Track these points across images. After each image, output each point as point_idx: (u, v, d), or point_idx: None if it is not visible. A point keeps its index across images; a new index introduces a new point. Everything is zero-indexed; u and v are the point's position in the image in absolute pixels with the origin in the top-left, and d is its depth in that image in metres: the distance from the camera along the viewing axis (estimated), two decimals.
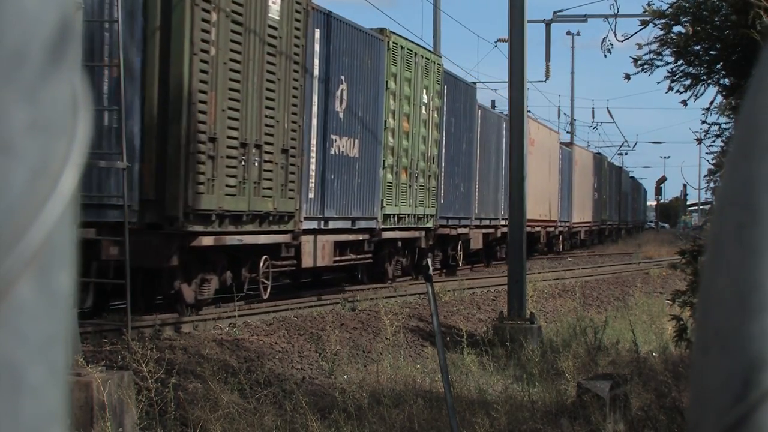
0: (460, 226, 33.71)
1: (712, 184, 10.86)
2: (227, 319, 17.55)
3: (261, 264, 20.06)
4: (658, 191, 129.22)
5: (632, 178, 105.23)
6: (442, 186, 30.95)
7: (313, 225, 22.00)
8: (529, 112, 53.93)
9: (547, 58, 47.98)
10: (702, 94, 9.71)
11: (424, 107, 28.79)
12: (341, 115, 23.52)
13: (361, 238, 25.00)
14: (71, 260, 0.82)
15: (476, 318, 21.83)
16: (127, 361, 12.97)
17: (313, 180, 21.98)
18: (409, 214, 28.16)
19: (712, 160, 10.37)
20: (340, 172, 23.53)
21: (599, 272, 35.82)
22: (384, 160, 26.20)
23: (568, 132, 75.59)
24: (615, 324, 19.32)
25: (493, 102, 58.25)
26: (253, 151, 18.75)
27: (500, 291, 25.54)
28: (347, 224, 24.08)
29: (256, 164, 18.86)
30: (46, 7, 0.80)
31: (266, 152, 19.20)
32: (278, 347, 16.02)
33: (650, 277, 30.17)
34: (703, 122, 9.93)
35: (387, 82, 26.26)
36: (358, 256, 25.42)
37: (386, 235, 26.79)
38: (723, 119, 9.82)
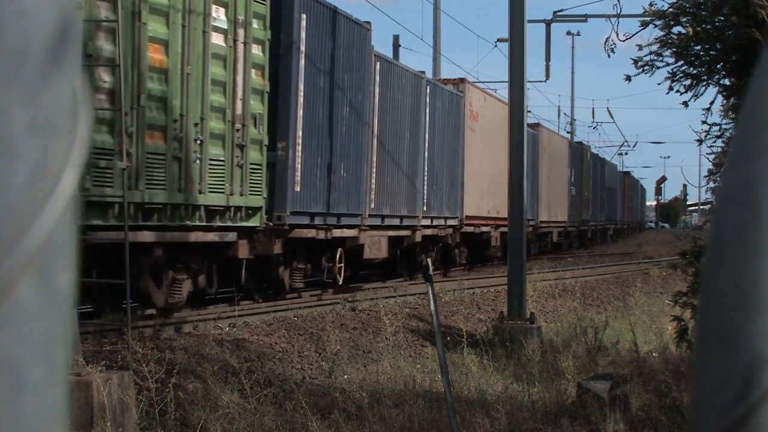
0: (343, 227, 23.91)
1: (712, 184, 10.86)
2: (227, 319, 17.55)
3: None
4: (658, 191, 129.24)
5: (625, 173, 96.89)
6: (298, 166, 20.83)
7: None
8: (530, 112, 53.07)
9: (547, 58, 47.97)
10: (702, 95, 9.71)
11: (219, 35, 17.70)
12: None
13: None
14: (71, 260, 0.82)
15: (476, 318, 21.83)
16: (127, 361, 12.97)
17: None
18: (173, 204, 16.56)
19: (713, 159, 10.38)
20: None
21: (599, 272, 35.81)
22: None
23: (568, 132, 75.54)
24: (615, 324, 19.32)
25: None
26: None
27: (500, 291, 25.54)
28: None
29: None
30: (46, 7, 0.80)
31: None
32: (278, 347, 16.02)
33: (650, 277, 30.16)
34: (704, 122, 9.94)
35: None
36: None
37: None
38: (723, 120, 9.83)
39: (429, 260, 9.85)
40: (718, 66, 9.55)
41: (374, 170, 26.09)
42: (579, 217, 58.89)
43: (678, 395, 11.49)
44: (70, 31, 0.82)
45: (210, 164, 17.56)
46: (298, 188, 20.93)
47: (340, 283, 24.07)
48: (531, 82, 63.59)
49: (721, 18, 9.16)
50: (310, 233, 21.93)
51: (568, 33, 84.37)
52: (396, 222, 28.03)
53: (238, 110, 18.46)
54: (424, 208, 30.26)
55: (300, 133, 21.08)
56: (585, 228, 62.77)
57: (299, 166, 21.10)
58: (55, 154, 0.80)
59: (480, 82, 60.98)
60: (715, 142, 10.09)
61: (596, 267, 38.83)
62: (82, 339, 13.79)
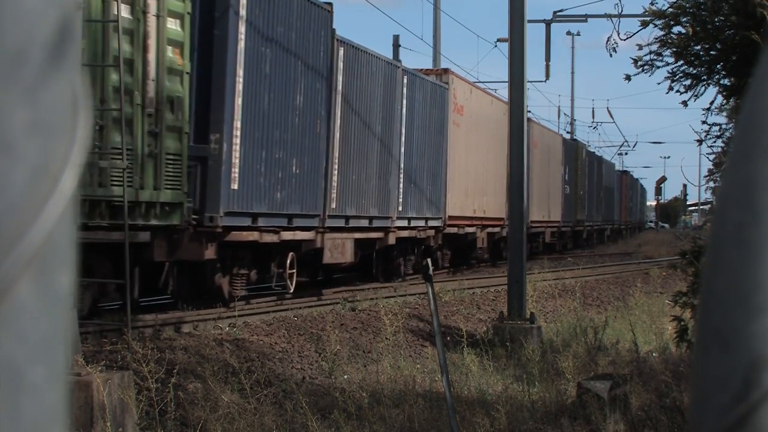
0: (296, 229, 21.19)
1: (712, 184, 10.87)
2: (227, 319, 17.55)
3: None
4: (658, 191, 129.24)
5: (623, 172, 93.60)
6: (236, 161, 18.35)
7: None
8: (530, 112, 52.63)
9: (547, 58, 47.99)
10: (702, 95, 9.71)
11: (124, 5, 15.47)
12: None
13: None
14: (71, 260, 0.82)
15: (476, 318, 21.83)
16: (127, 361, 12.97)
17: None
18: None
19: (713, 159, 10.38)
20: None
21: (599, 272, 35.82)
22: None
23: (568, 132, 75.54)
24: (615, 324, 19.32)
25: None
26: None
27: (500, 291, 25.54)
28: None
29: None
30: (46, 7, 0.80)
31: None
32: (278, 347, 16.02)
33: (650, 277, 30.17)
34: (704, 122, 9.94)
35: None
36: None
37: None
38: (723, 119, 9.83)
39: (429, 260, 9.85)
40: (718, 66, 9.56)
41: (336, 167, 23.10)
42: (573, 216, 56.07)
43: (678, 395, 11.49)
44: (70, 31, 0.82)
45: (113, 153, 14.98)
46: (235, 186, 18.21)
47: (291, 290, 21.28)
48: (531, 82, 63.52)
49: (721, 18, 9.16)
50: (252, 236, 19.11)
51: (568, 33, 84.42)
52: (364, 223, 25.05)
53: (150, 92, 16.05)
54: (399, 209, 27.52)
55: (238, 123, 18.40)
56: (580, 228, 59.68)
57: (237, 160, 18.29)
58: (55, 154, 0.80)
59: (480, 82, 60.78)
60: (715, 142, 10.10)
61: (596, 267, 38.83)
62: (82, 339, 13.79)
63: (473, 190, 34.55)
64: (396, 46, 46.22)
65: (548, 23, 44.44)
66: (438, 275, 30.33)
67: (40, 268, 0.79)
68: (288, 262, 21.06)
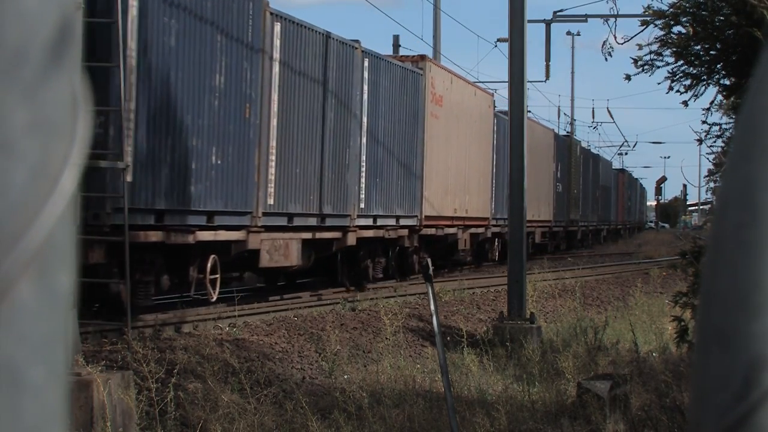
0: (219, 228, 18.27)
1: (712, 184, 10.87)
2: (227, 319, 17.55)
3: None
4: (658, 191, 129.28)
5: (620, 170, 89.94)
6: (128, 149, 15.39)
7: None
8: (530, 112, 52.43)
9: (547, 58, 48.00)
10: (702, 94, 9.71)
11: None
12: None
13: None
14: (71, 260, 0.82)
15: (476, 318, 21.84)
16: (127, 361, 12.97)
17: None
18: None
19: (713, 159, 10.38)
20: None
21: (599, 272, 35.82)
22: None
23: (568, 132, 75.51)
24: (615, 324, 19.32)
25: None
26: None
27: (500, 291, 25.54)
28: None
29: None
30: (46, 7, 0.80)
31: None
32: (278, 347, 16.02)
33: (650, 277, 30.18)
34: (704, 122, 9.95)
35: None
36: None
37: None
38: (723, 119, 9.84)
39: (429, 260, 9.85)
40: (718, 66, 9.56)
41: (273, 157, 19.86)
42: (566, 216, 52.87)
43: (678, 395, 11.49)
44: (70, 31, 0.82)
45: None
46: (129, 177, 15.15)
47: (213, 299, 18.09)
48: (531, 82, 63.38)
49: (721, 18, 9.16)
50: (156, 237, 16.28)
51: (568, 33, 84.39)
52: (314, 222, 22.04)
53: None
54: (361, 206, 24.40)
55: (132, 105, 15.49)
56: (574, 228, 56.27)
57: (130, 148, 15.33)
58: (55, 154, 0.80)
59: (480, 82, 60.61)
60: (715, 141, 10.11)
61: (596, 267, 38.84)
62: (82, 339, 13.79)
63: (454, 187, 31.81)
64: (396, 46, 46.24)
65: (548, 23, 44.46)
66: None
67: (40, 268, 0.79)
68: (209, 266, 17.98)
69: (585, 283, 29.99)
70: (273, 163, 20.02)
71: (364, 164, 24.69)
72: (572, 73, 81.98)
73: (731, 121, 9.58)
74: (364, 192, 24.67)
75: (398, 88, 26.91)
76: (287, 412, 11.65)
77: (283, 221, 20.56)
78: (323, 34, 22.28)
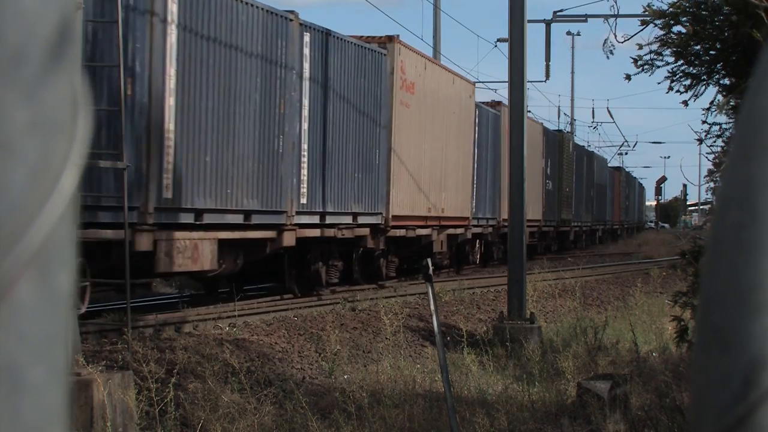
0: (96, 226, 14.84)
1: (712, 184, 10.87)
2: (227, 319, 17.55)
3: None
4: (658, 191, 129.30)
5: (616, 168, 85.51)
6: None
7: None
8: (530, 111, 52.15)
9: (547, 58, 48.00)
10: (702, 94, 9.71)
11: None
12: None
13: None
14: (71, 260, 0.82)
15: (476, 318, 21.84)
16: (127, 361, 12.97)
17: None
18: None
19: (713, 159, 10.38)
20: None
21: (599, 272, 35.84)
22: None
23: (568, 132, 75.51)
24: (615, 324, 19.33)
25: None
26: None
27: (500, 291, 25.54)
28: None
29: None
30: (46, 7, 0.80)
31: None
32: (278, 347, 16.02)
33: (650, 277, 30.18)
34: (704, 122, 9.94)
35: None
36: None
37: None
38: (723, 119, 9.84)
39: (429, 260, 9.85)
40: (718, 66, 9.56)
41: (171, 143, 16.59)
42: (557, 216, 49.77)
43: (678, 395, 11.49)
44: (70, 31, 0.82)
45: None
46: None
47: (82, 310, 14.08)
48: (531, 82, 63.27)
49: (721, 17, 9.17)
50: None
51: (568, 33, 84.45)
52: (234, 219, 18.46)
53: None
54: (302, 201, 20.85)
55: None
56: (565, 229, 52.84)
57: None
58: (55, 154, 0.80)
59: (480, 82, 60.26)
60: (715, 141, 10.10)
61: (596, 267, 38.85)
62: (82, 339, 13.79)
63: (428, 184, 28.60)
64: None
65: (548, 23, 44.45)
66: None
67: (40, 268, 0.79)
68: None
69: (585, 283, 29.99)
70: (171, 150, 16.55)
71: (305, 154, 21.08)
72: (572, 73, 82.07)
73: (731, 120, 9.58)
74: (306, 185, 21.08)
75: (354, 69, 23.41)
76: (287, 412, 11.66)
77: (189, 218, 17.08)
78: (242, 1, 18.63)
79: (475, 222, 34.46)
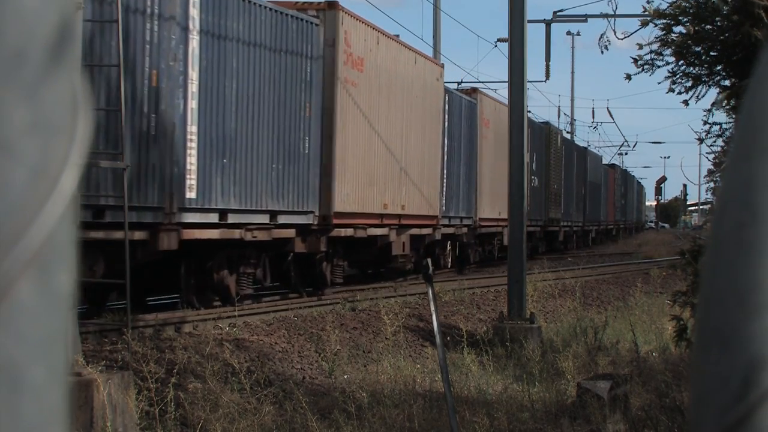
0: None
1: (712, 184, 10.87)
2: (227, 319, 17.55)
3: None
4: (658, 191, 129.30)
5: (611, 165, 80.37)
6: None
7: None
8: (530, 111, 51.90)
9: (547, 58, 47.99)
10: (703, 96, 9.71)
11: None
12: None
13: None
14: (71, 260, 0.82)
15: (476, 318, 21.84)
16: (127, 361, 12.97)
17: None
18: None
19: (713, 159, 10.38)
20: None
21: (599, 272, 35.83)
22: None
23: (568, 132, 75.44)
24: (615, 324, 19.33)
25: None
26: None
27: (500, 291, 25.52)
28: None
29: None
30: (46, 7, 0.80)
31: None
32: (278, 347, 16.02)
33: (650, 277, 30.18)
34: (705, 122, 9.95)
35: None
36: None
37: None
38: (723, 118, 9.84)
39: (429, 260, 9.84)
40: (719, 66, 9.56)
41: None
42: (545, 215, 46.11)
43: (678, 395, 11.49)
44: (70, 31, 0.82)
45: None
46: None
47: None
48: (531, 82, 63.19)
49: (722, 17, 9.16)
50: None
51: (568, 33, 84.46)
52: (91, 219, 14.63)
53: None
54: (189, 195, 17.10)
55: None
56: (554, 228, 49.06)
57: None
58: (55, 154, 0.80)
59: (480, 82, 60.12)
60: (715, 141, 10.11)
61: (596, 267, 38.85)
62: (82, 339, 13.79)
63: (384, 177, 24.89)
64: None
65: (548, 23, 44.45)
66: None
67: (40, 268, 0.79)
68: None
69: (585, 283, 29.99)
70: None
71: (194, 138, 17.25)
72: (572, 73, 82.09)
73: (731, 120, 9.58)
74: (195, 176, 17.31)
75: (269, 38, 19.51)
76: (287, 412, 11.66)
77: None
78: None
79: (445, 221, 30.67)
